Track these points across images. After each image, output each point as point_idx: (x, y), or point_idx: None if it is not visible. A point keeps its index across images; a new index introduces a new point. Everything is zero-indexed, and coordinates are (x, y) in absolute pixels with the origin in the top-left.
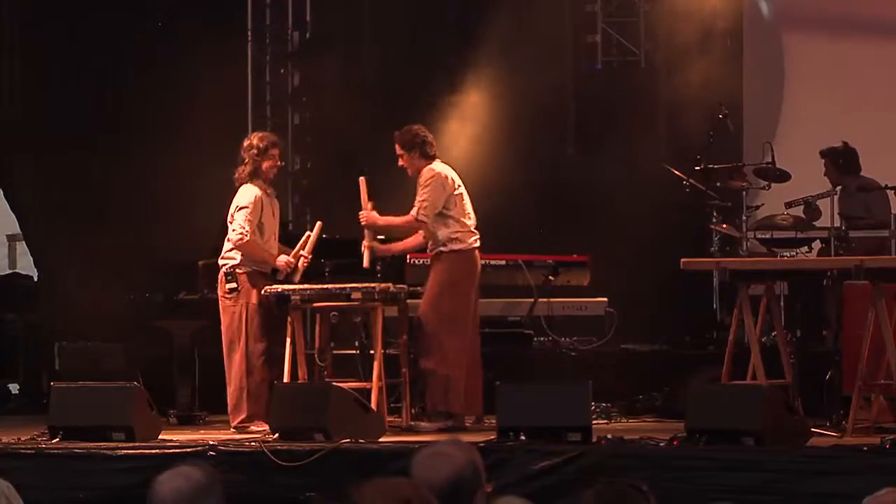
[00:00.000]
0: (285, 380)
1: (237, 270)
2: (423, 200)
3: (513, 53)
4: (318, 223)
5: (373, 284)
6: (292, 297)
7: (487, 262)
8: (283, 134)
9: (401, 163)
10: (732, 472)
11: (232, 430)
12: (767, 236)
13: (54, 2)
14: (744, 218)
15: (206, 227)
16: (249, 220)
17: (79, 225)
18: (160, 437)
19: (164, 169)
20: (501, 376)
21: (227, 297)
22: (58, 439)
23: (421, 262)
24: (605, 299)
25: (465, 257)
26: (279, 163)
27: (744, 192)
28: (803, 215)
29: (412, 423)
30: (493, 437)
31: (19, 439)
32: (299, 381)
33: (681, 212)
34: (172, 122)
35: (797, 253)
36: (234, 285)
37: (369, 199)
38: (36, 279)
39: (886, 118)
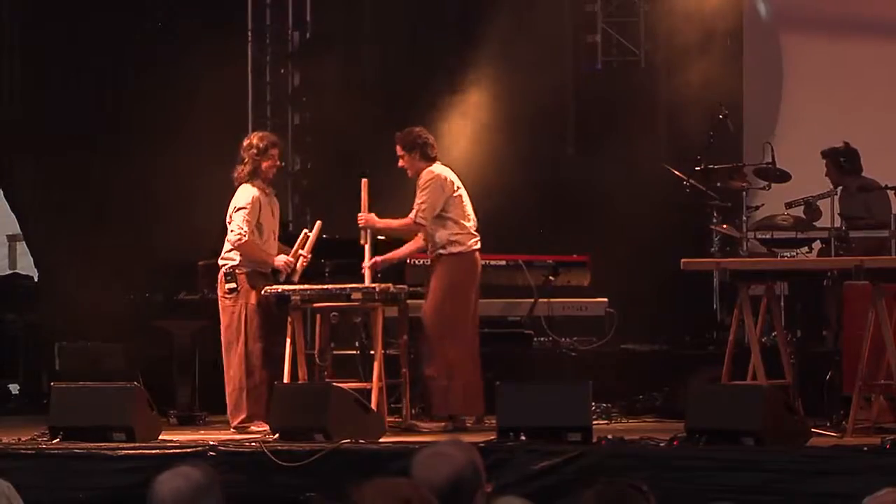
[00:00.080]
0: (285, 380)
1: (236, 271)
2: (421, 203)
3: (513, 53)
4: (318, 222)
5: (373, 285)
6: (292, 298)
7: (487, 262)
8: (283, 134)
9: (401, 163)
10: (732, 472)
11: (232, 430)
12: (767, 236)
13: (54, 2)
14: (744, 218)
15: (206, 227)
16: (248, 221)
17: (79, 225)
18: (160, 437)
19: (164, 169)
20: (501, 376)
21: (226, 298)
22: (58, 439)
23: (421, 262)
24: (605, 299)
25: (465, 259)
26: (279, 163)
27: (744, 193)
28: (803, 215)
29: (412, 423)
30: (493, 437)
31: (19, 439)
32: (299, 382)
33: (681, 212)
34: (172, 122)
35: (797, 253)
36: (233, 285)
37: (369, 201)
38: (36, 279)
39: (886, 118)
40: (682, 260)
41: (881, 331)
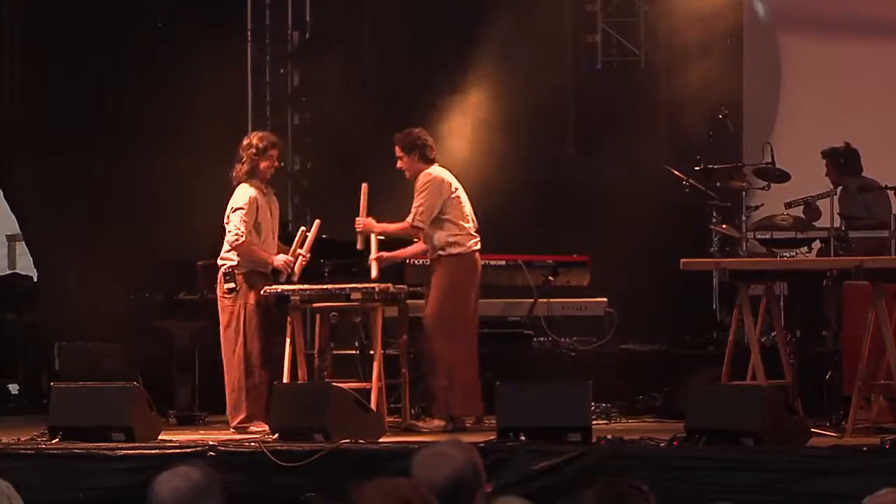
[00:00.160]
0: (285, 380)
1: (235, 271)
2: (418, 206)
3: (513, 53)
4: (317, 221)
5: (373, 285)
6: (292, 298)
7: (487, 262)
8: (283, 134)
9: (399, 164)
10: (732, 472)
11: (232, 430)
12: (767, 236)
13: (54, 2)
14: (744, 218)
15: (206, 227)
16: (245, 221)
17: (79, 225)
18: (160, 437)
19: (164, 169)
20: (501, 376)
21: (225, 298)
22: (57, 439)
23: (420, 262)
24: (605, 299)
25: (464, 260)
26: (277, 163)
27: (743, 193)
28: (803, 215)
29: (412, 423)
30: (493, 437)
31: (19, 439)
32: (299, 382)
33: (681, 212)
34: (172, 122)
35: (797, 253)
36: (232, 285)
37: (368, 205)
38: (36, 279)
39: (885, 118)
40: (682, 260)
41: (881, 331)
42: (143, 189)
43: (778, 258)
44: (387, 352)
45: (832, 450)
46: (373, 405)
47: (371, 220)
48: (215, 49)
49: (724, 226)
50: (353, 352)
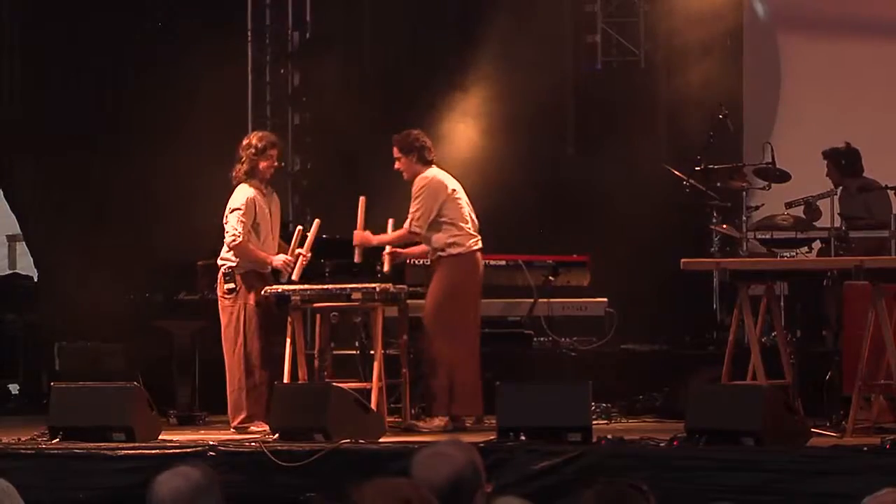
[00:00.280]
0: (285, 380)
1: (235, 271)
2: (415, 212)
3: (513, 53)
4: (316, 221)
5: (373, 285)
6: (292, 298)
7: (487, 262)
8: (283, 134)
9: (397, 166)
10: (732, 472)
11: (232, 430)
12: (767, 236)
13: (54, 2)
14: (744, 218)
15: (206, 227)
16: (242, 222)
17: (79, 225)
18: (160, 437)
19: (164, 169)
20: (501, 376)
21: (225, 298)
22: (58, 439)
23: (421, 262)
24: (605, 299)
25: (465, 260)
26: (276, 163)
27: (744, 193)
28: (803, 215)
29: (412, 423)
30: (493, 437)
31: (19, 439)
32: (299, 382)
33: (681, 212)
34: (172, 122)
35: (797, 253)
36: (232, 286)
37: (365, 219)
38: (36, 279)
39: (885, 118)
40: (682, 260)
41: (881, 331)
42: (143, 189)
43: (778, 258)
44: (387, 352)
45: (832, 450)
46: (373, 405)
47: (368, 234)
48: (215, 49)
49: (724, 226)
50: (354, 352)
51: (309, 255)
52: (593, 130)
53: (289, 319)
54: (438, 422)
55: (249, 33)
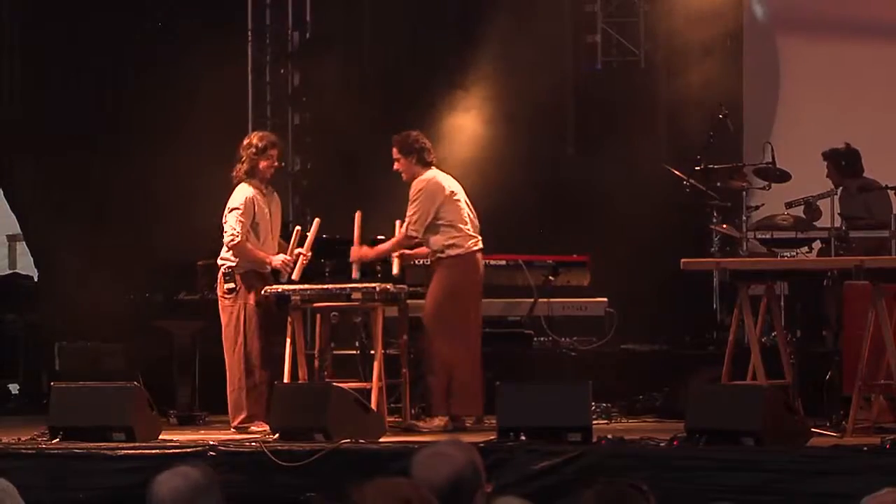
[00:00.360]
0: (285, 380)
1: (234, 271)
2: (412, 215)
3: (513, 53)
4: (316, 220)
5: (373, 284)
6: (292, 297)
7: (487, 262)
8: (283, 134)
9: (396, 167)
10: (732, 472)
11: (232, 430)
12: (767, 236)
13: (54, 2)
14: (744, 218)
15: (206, 227)
16: (241, 222)
17: (79, 225)
18: (160, 437)
19: (164, 169)
20: (501, 376)
21: (225, 298)
22: (58, 439)
23: (421, 262)
24: (605, 299)
25: (464, 261)
26: (277, 163)
27: (744, 193)
28: (803, 215)
29: (412, 423)
30: (493, 437)
31: (19, 439)
32: (299, 381)
33: (681, 212)
34: (172, 122)
35: (797, 253)
36: (232, 285)
37: (361, 234)
38: (36, 279)
39: (884, 118)
40: (682, 260)
41: (881, 331)
42: (143, 189)
43: (778, 258)
44: (387, 352)
45: (832, 450)
46: (373, 405)
47: (365, 249)
48: (215, 49)
49: (724, 226)
50: (354, 352)
51: (309, 254)
52: (593, 130)
53: (289, 319)
54: (438, 422)
55: (249, 33)
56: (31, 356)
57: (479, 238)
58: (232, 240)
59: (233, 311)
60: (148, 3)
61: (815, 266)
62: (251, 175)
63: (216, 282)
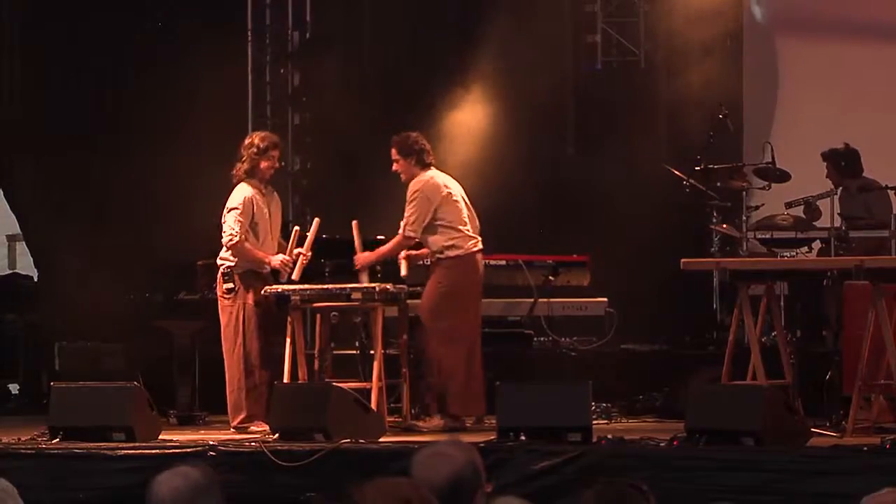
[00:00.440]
0: (285, 380)
1: (233, 271)
2: (409, 216)
3: (513, 53)
4: (316, 220)
5: (373, 284)
6: (292, 297)
7: (487, 262)
8: (283, 134)
9: (395, 167)
10: (732, 472)
11: (232, 430)
12: (767, 236)
13: (54, 2)
14: (744, 218)
15: (206, 227)
16: (240, 222)
17: (79, 225)
18: (160, 437)
19: (164, 169)
20: (501, 376)
21: (225, 298)
22: (58, 439)
23: (421, 262)
24: (605, 299)
25: (463, 262)
26: (277, 164)
27: (744, 192)
28: (803, 215)
29: (412, 423)
30: (493, 437)
31: (19, 439)
32: (299, 381)
33: (681, 212)
34: (172, 122)
35: (797, 253)
36: (231, 285)
37: (361, 241)
38: (36, 279)
39: (884, 118)
40: (682, 260)
41: (881, 331)
42: (143, 189)
43: (778, 258)
44: (387, 351)
45: (832, 450)
46: (373, 405)
47: (366, 254)
48: (215, 49)
49: (724, 226)
50: (354, 352)
51: (309, 254)
52: (593, 130)
53: (289, 319)
54: (438, 421)
55: (249, 33)
56: (31, 356)
57: (479, 239)
58: (230, 240)
59: (232, 311)
60: (148, 3)
61: (815, 266)
62: (251, 175)
63: (216, 282)
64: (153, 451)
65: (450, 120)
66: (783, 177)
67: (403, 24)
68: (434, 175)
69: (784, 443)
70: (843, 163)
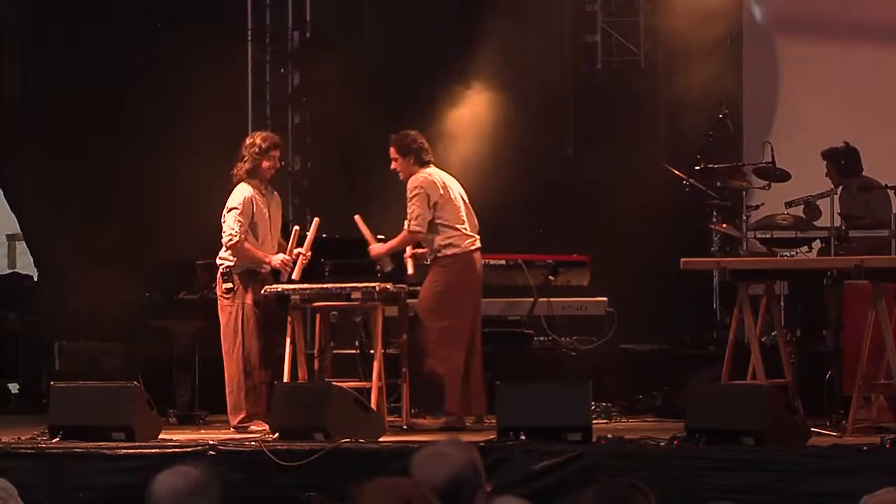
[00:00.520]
0: (285, 379)
1: (232, 271)
2: (412, 212)
3: (513, 53)
4: (315, 219)
5: (373, 284)
6: (292, 297)
7: (487, 261)
8: (283, 134)
9: (394, 166)
10: (732, 472)
11: (232, 429)
12: (767, 236)
13: (54, 2)
14: (744, 218)
15: (206, 226)
16: (240, 222)
17: (79, 225)
18: (160, 437)
19: (164, 169)
20: (501, 376)
21: (224, 298)
22: (57, 439)
23: (424, 261)
24: (605, 299)
25: (460, 260)
26: (278, 164)
27: (743, 192)
28: (803, 215)
29: (412, 422)
30: (493, 436)
31: (19, 439)
32: (299, 381)
33: (681, 212)
34: (172, 122)
35: (797, 252)
36: (230, 285)
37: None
38: (36, 279)
39: (884, 118)
40: (682, 260)
41: (881, 330)
42: (143, 189)
43: (778, 257)
44: (387, 351)
45: (832, 450)
46: (373, 405)
47: (379, 245)
48: (215, 49)
49: (724, 225)
50: (353, 351)
51: (309, 254)
52: (593, 130)
53: (289, 319)
54: (438, 421)
55: (249, 33)
56: (31, 356)
57: (477, 237)
58: (230, 240)
59: (231, 311)
60: (148, 3)
61: (815, 266)
62: (252, 175)
63: (215, 281)
64: (153, 451)
65: (450, 120)
66: (783, 176)
67: (403, 23)
68: (432, 172)
69: (784, 442)
70: (842, 161)
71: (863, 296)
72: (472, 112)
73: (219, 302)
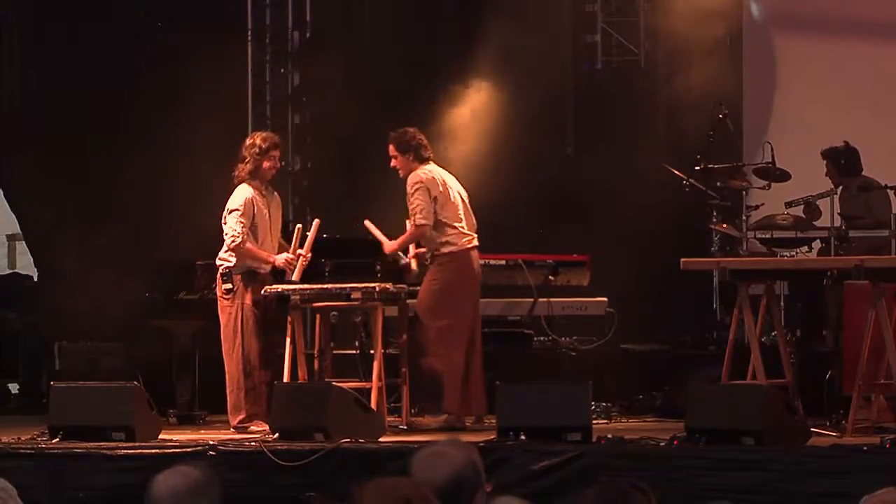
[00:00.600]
0: (285, 380)
1: (232, 272)
2: (414, 208)
3: (512, 53)
4: (316, 220)
5: (373, 284)
6: (292, 297)
7: (487, 261)
8: (283, 134)
9: (393, 164)
10: (732, 472)
11: (232, 429)
12: (767, 236)
13: (54, 2)
14: (744, 218)
15: (206, 226)
16: (241, 223)
17: (79, 225)
18: (160, 437)
19: (164, 169)
20: (501, 376)
21: (224, 298)
22: (58, 439)
23: (426, 260)
24: (605, 299)
25: (458, 258)
26: (278, 164)
27: (743, 192)
28: (803, 215)
29: (412, 422)
30: (493, 436)
31: (19, 439)
32: (299, 382)
33: (681, 212)
34: (172, 123)
35: (797, 252)
36: (229, 286)
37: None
38: (36, 279)
39: (884, 118)
40: (682, 260)
41: (881, 331)
42: (143, 189)
43: (778, 257)
44: (387, 351)
45: (832, 450)
46: (373, 405)
47: (391, 242)
48: (215, 49)
49: (724, 225)
50: (354, 352)
51: (309, 255)
52: (593, 130)
53: (289, 319)
54: (437, 420)
55: (249, 33)
56: (31, 356)
57: (475, 236)
58: (233, 241)
59: (231, 311)
60: (148, 3)
61: (815, 266)
62: (254, 176)
63: (215, 282)
64: (153, 451)
65: (450, 119)
66: (783, 176)
67: (403, 23)
68: (432, 169)
69: (784, 442)
70: (842, 161)
71: (863, 296)
72: (471, 112)
73: (219, 302)
